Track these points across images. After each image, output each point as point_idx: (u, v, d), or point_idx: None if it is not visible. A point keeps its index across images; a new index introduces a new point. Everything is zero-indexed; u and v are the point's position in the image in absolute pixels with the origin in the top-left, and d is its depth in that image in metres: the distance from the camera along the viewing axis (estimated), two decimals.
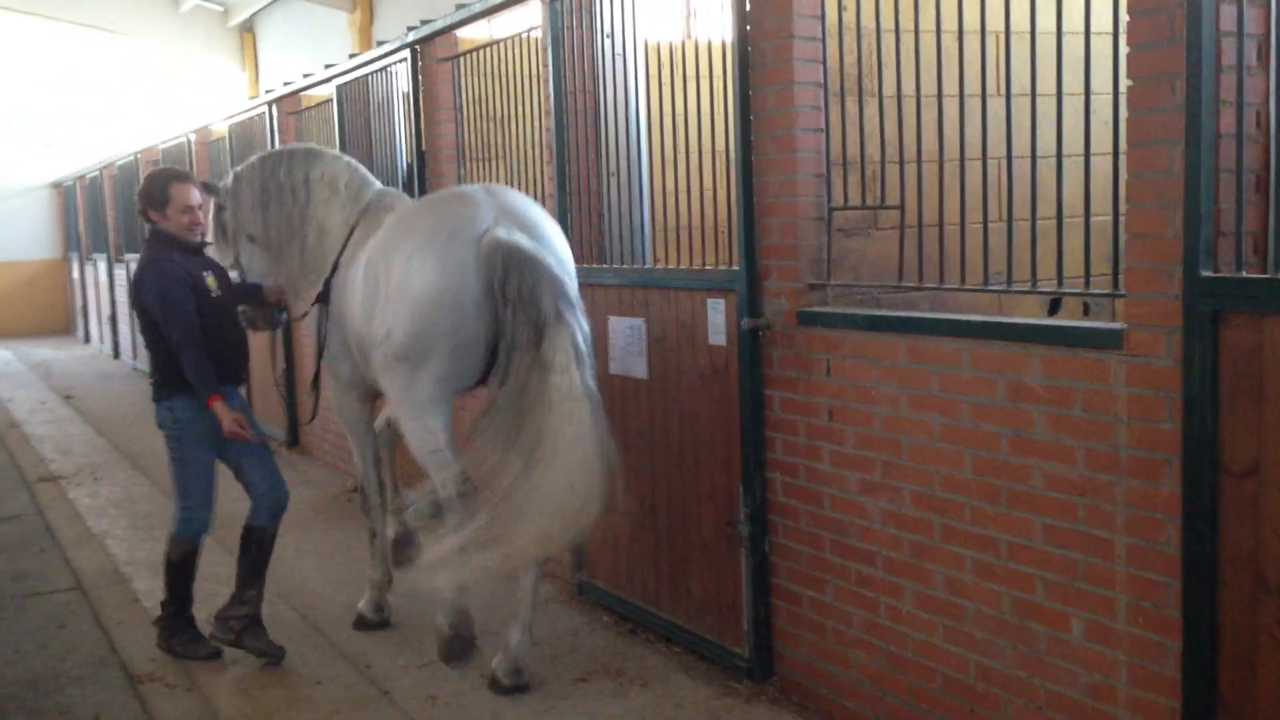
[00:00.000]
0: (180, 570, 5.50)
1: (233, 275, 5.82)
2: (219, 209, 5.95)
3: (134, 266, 5.65)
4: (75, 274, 22.53)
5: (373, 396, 5.74)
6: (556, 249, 4.95)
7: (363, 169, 5.92)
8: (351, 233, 5.59)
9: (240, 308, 5.72)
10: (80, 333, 22.51)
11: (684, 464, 5.23)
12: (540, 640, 5.53)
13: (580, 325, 4.66)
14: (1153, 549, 3.26)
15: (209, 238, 5.91)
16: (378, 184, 5.90)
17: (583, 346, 4.60)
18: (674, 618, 5.39)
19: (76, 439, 11.62)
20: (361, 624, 5.83)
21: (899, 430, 4.10)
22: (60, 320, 24.49)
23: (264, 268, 5.87)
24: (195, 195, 5.47)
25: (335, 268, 5.59)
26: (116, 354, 18.44)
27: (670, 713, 4.72)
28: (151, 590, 6.47)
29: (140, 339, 5.95)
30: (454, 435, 5.04)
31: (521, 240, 4.73)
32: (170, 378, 5.32)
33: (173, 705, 4.99)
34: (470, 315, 4.78)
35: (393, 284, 4.91)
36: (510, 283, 4.62)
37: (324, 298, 5.63)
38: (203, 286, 5.37)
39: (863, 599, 4.34)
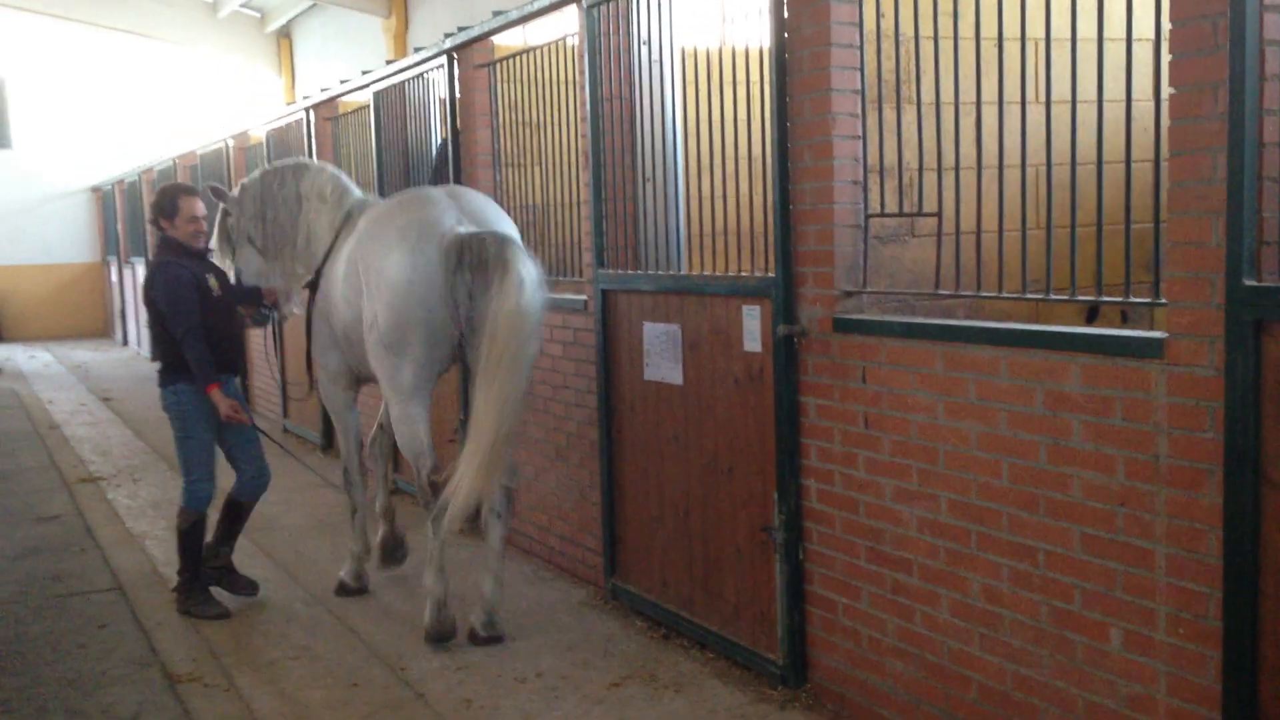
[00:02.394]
0: (189, 538, 6.20)
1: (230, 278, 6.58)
2: (225, 214, 6.75)
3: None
4: (114, 277, 22.79)
5: (356, 384, 6.50)
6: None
7: (345, 179, 6.63)
8: (337, 236, 6.31)
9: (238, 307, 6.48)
10: (118, 335, 22.77)
11: (718, 470, 5.23)
12: (573, 645, 5.56)
13: (529, 268, 5.26)
14: (1193, 559, 3.23)
15: (213, 240, 6.75)
16: (358, 192, 6.61)
17: (527, 279, 5.21)
18: (707, 623, 5.39)
19: (115, 441, 11.75)
20: (343, 590, 6.46)
21: (936, 438, 4.09)
22: (99, 323, 24.79)
23: (258, 268, 6.68)
24: (200, 207, 6.27)
25: (323, 267, 6.31)
26: (154, 356, 18.59)
27: (704, 718, 4.72)
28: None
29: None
30: (431, 426, 5.71)
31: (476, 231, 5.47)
32: (174, 365, 6.09)
33: (211, 705, 5.03)
34: (437, 303, 5.47)
35: (372, 277, 5.59)
36: (465, 257, 5.39)
37: (313, 286, 6.36)
38: (205, 287, 6.13)
39: (898, 606, 4.33)
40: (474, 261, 5.38)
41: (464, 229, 5.49)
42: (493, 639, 5.59)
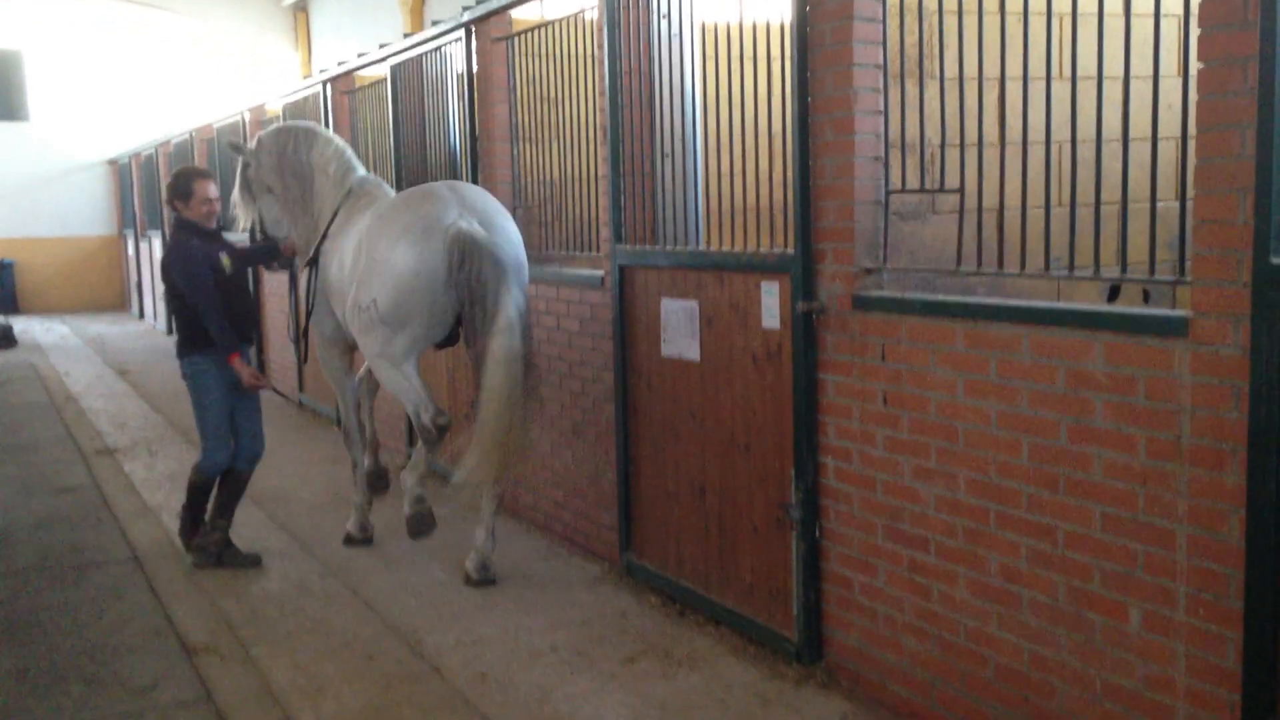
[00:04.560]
0: (197, 492, 6.66)
1: (239, 238, 7.17)
2: (245, 165, 7.12)
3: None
4: (130, 250, 22.83)
5: (352, 349, 6.92)
6: (509, 236, 6.03)
7: (350, 153, 6.93)
8: (335, 214, 6.69)
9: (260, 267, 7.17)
10: (135, 308, 22.84)
11: (735, 446, 5.22)
12: (588, 620, 5.57)
13: (516, 302, 5.77)
14: (1215, 539, 3.21)
15: (235, 190, 7.20)
16: (361, 170, 6.92)
17: (515, 320, 5.72)
18: (723, 600, 5.39)
19: (132, 413, 11.79)
20: (350, 541, 6.97)
21: (955, 416, 4.06)
22: (115, 296, 24.86)
23: (277, 216, 7.09)
24: (213, 189, 6.66)
25: (323, 240, 6.69)
26: (170, 330, 18.67)
27: (719, 694, 4.72)
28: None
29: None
30: (421, 374, 6.15)
31: (477, 231, 5.81)
32: (191, 338, 6.45)
33: (228, 676, 5.06)
34: (440, 291, 5.86)
35: (378, 265, 5.97)
36: (465, 268, 5.74)
37: (313, 262, 6.73)
38: (218, 265, 6.47)
39: (915, 585, 4.32)
40: (472, 278, 5.74)
41: (465, 223, 5.84)
42: (485, 581, 6.10)
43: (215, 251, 6.51)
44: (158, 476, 8.84)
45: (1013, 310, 3.84)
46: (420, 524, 6.13)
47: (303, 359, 7.36)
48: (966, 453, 4.03)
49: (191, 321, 6.39)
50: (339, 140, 7.02)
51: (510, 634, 5.43)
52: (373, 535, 6.99)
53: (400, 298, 5.88)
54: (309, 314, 6.91)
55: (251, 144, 7.16)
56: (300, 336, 7.10)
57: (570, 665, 5.06)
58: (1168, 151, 3.51)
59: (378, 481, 7.13)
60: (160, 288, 19.27)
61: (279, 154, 6.96)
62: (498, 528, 6.39)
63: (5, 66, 23.80)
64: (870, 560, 4.53)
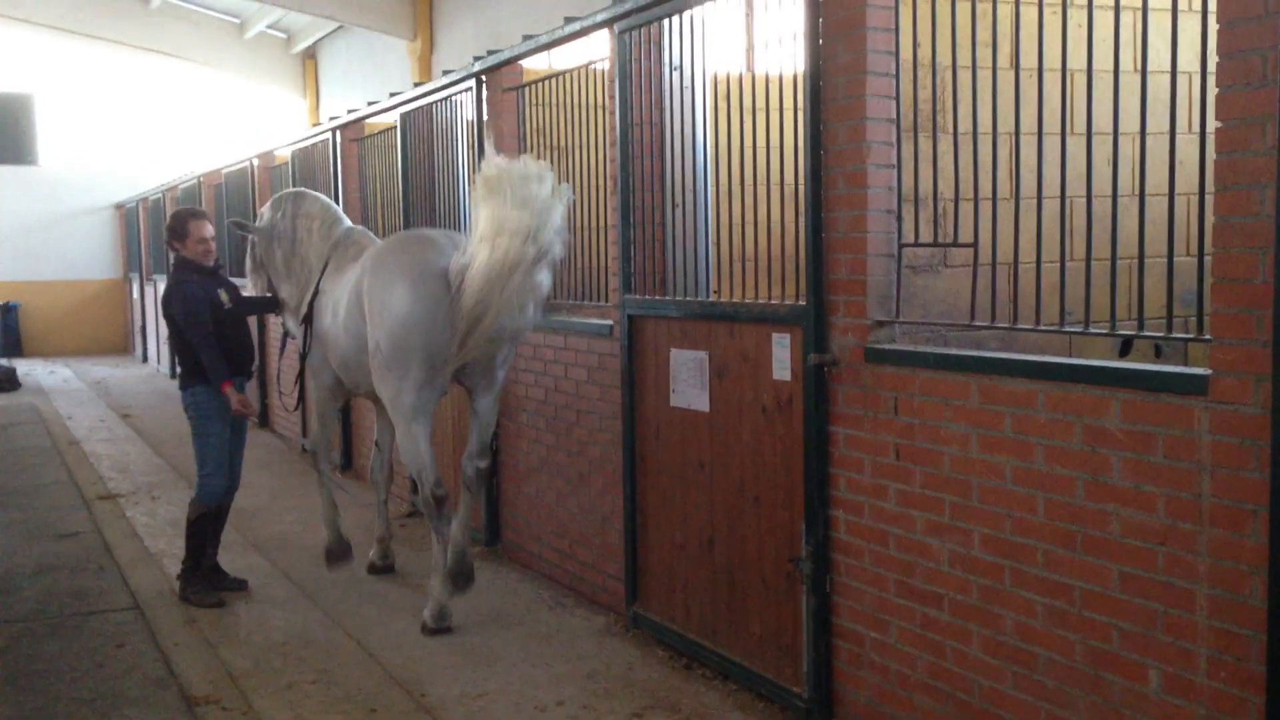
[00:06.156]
0: (196, 528, 6.81)
1: (252, 292, 7.56)
2: (253, 243, 7.53)
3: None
4: (135, 294, 22.84)
5: (343, 396, 7.24)
6: None
7: (335, 208, 7.35)
8: (325, 265, 6.95)
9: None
10: (139, 352, 22.82)
11: (744, 498, 5.18)
12: (594, 673, 5.50)
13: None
14: (1237, 601, 3.17)
15: (247, 266, 7.65)
16: (347, 222, 7.30)
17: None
18: (730, 654, 5.32)
19: (134, 458, 11.75)
20: (331, 556, 7.19)
21: (969, 471, 4.03)
22: (119, 339, 24.86)
23: (278, 283, 7.40)
24: (208, 229, 6.92)
25: (315, 295, 6.94)
26: (174, 374, 18.62)
27: None
28: (208, 614, 6.53)
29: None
30: (431, 443, 6.24)
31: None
32: (192, 371, 6.72)
33: None
34: (438, 332, 5.93)
35: (376, 309, 6.10)
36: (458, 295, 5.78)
37: (308, 319, 6.98)
38: (217, 301, 6.76)
39: (928, 642, 4.26)
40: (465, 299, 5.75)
41: (458, 256, 5.91)
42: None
43: (214, 288, 6.81)
44: (159, 522, 8.78)
45: (1028, 365, 3.82)
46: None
47: (294, 406, 7.69)
48: (981, 508, 3.99)
49: (192, 355, 6.66)
50: (324, 198, 7.45)
51: (515, 687, 5.37)
52: (349, 541, 7.26)
53: (397, 339, 5.98)
54: (303, 358, 7.12)
55: (257, 222, 7.51)
56: (295, 382, 7.35)
57: None
58: (1182, 207, 3.50)
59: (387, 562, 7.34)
60: (164, 331, 19.31)
61: (271, 223, 7.33)
62: (503, 575, 6.46)
63: (16, 110, 23.96)
64: (882, 616, 4.48)
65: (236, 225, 7.58)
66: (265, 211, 7.49)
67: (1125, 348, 4.92)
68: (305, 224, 7.18)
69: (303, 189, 7.76)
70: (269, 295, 7.46)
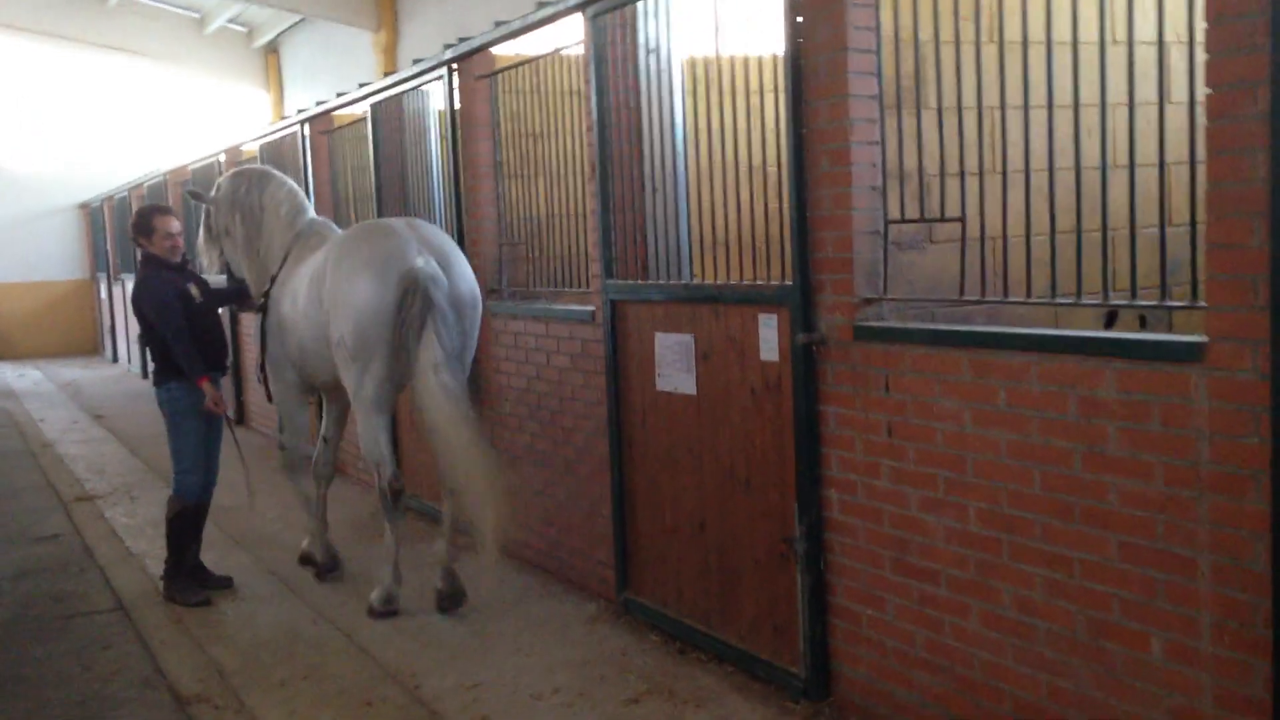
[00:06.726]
0: (175, 525, 6.73)
1: (217, 279, 7.39)
2: (208, 212, 7.44)
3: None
4: (103, 294, 22.60)
5: (307, 391, 7.13)
6: (464, 274, 6.27)
7: (301, 196, 7.21)
8: (286, 256, 6.91)
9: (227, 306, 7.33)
10: (108, 352, 22.59)
11: (734, 480, 5.17)
12: (588, 660, 5.48)
13: (445, 339, 5.88)
14: (1239, 567, 3.18)
15: (200, 235, 7.55)
16: (311, 213, 7.21)
17: (441, 359, 5.83)
18: (725, 637, 5.31)
19: (110, 458, 11.62)
20: (323, 571, 7.03)
21: (963, 446, 4.02)
22: (88, 340, 24.60)
23: (237, 259, 7.32)
24: (175, 225, 6.80)
25: (272, 285, 6.89)
26: (145, 373, 18.45)
27: None
28: (194, 613, 6.46)
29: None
30: (392, 437, 6.35)
31: (435, 271, 5.98)
32: (166, 367, 6.64)
33: None
34: (400, 324, 5.93)
35: (340, 302, 6.10)
36: (408, 305, 5.88)
37: (264, 309, 6.93)
38: (187, 295, 6.67)
39: (926, 618, 4.26)
40: (411, 316, 5.90)
41: (422, 260, 5.99)
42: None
43: (184, 283, 6.73)
44: (139, 523, 8.70)
45: (1020, 338, 3.81)
46: (387, 607, 6.26)
47: (268, 397, 7.43)
48: (976, 483, 3.99)
49: (165, 350, 6.59)
50: (291, 183, 7.29)
51: (509, 676, 5.34)
52: (334, 562, 7.09)
53: (361, 330, 6.00)
54: (263, 351, 7.04)
55: (213, 190, 7.40)
56: (263, 374, 7.19)
57: (573, 708, 4.97)
58: (1170, 177, 3.50)
59: (333, 565, 7.13)
60: (134, 331, 19.11)
61: (233, 196, 7.22)
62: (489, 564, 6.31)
63: None
64: (878, 594, 4.48)
65: (192, 195, 7.53)
66: (224, 183, 7.35)
67: (1110, 319, 4.92)
68: (272, 208, 7.09)
69: (268, 168, 7.62)
70: (238, 286, 7.38)
